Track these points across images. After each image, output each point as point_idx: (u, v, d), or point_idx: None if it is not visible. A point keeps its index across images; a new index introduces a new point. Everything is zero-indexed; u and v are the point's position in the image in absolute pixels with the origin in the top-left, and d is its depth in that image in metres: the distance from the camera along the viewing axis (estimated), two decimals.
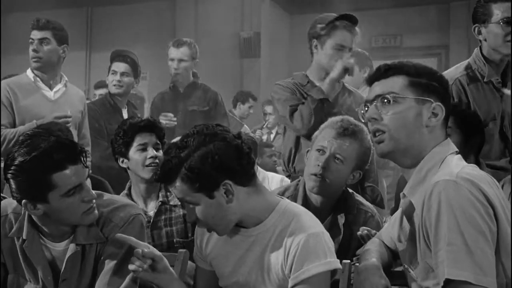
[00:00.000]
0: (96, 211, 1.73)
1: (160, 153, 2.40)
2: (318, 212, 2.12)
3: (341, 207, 2.15)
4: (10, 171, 1.61)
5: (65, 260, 1.74)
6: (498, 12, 2.43)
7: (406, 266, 1.61)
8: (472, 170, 1.48)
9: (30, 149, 1.59)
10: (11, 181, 1.62)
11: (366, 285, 1.62)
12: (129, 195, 2.47)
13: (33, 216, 1.72)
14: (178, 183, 1.56)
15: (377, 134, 1.54)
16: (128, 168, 2.44)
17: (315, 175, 2.08)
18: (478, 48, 2.54)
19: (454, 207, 1.37)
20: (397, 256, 1.80)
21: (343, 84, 2.88)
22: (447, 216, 1.37)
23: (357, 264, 1.75)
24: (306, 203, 2.14)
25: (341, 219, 2.12)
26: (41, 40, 3.11)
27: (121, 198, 1.93)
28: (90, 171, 1.79)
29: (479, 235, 1.36)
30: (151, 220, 2.38)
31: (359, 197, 2.23)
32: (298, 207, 1.72)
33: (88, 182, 1.74)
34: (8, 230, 1.76)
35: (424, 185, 1.49)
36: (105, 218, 1.76)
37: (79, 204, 1.66)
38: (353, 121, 2.14)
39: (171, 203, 2.41)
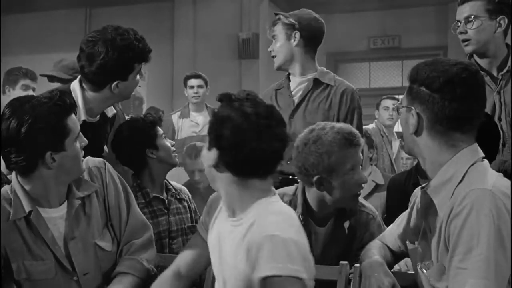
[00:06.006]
0: None
1: None
2: (321, 218, 2.13)
3: (344, 210, 2.13)
4: (27, 125, 1.63)
5: (69, 218, 1.79)
6: None
7: (419, 266, 1.60)
8: (507, 182, 1.46)
9: (36, 104, 1.67)
10: (26, 137, 1.63)
11: (372, 282, 1.62)
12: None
13: (35, 184, 1.74)
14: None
15: None
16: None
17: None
18: None
19: (483, 215, 1.35)
20: (399, 257, 1.81)
21: (314, 79, 2.75)
22: (474, 222, 1.35)
23: (357, 265, 1.75)
24: (307, 210, 2.12)
25: (346, 224, 2.11)
26: None
27: None
28: None
29: (499, 249, 1.33)
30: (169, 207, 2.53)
31: (360, 199, 2.23)
32: (279, 208, 1.57)
33: None
34: (5, 215, 1.75)
35: (447, 187, 1.48)
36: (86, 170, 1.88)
37: (79, 151, 1.79)
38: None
39: (178, 196, 2.60)
